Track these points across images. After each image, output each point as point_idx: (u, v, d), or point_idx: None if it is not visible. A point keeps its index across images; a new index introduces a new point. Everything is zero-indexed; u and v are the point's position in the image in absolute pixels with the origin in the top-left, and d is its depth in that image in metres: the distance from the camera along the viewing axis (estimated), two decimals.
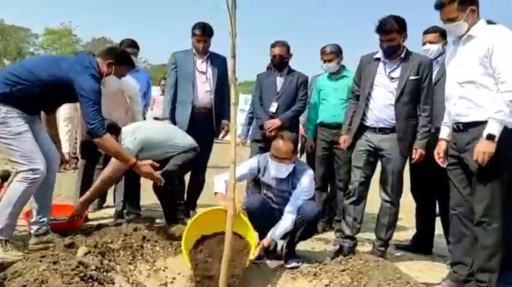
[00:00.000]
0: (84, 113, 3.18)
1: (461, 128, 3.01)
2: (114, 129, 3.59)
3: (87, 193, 3.67)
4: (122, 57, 3.50)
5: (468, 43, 2.98)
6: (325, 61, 4.47)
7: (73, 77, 3.09)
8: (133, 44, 5.00)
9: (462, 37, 3.01)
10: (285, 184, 3.44)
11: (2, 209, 3.04)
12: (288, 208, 3.35)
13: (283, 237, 3.44)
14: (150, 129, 3.84)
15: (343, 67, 4.51)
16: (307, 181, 3.39)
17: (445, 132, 3.26)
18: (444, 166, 3.26)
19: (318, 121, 4.56)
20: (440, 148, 3.26)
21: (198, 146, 3.92)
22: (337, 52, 4.45)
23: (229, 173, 2.74)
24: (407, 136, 3.59)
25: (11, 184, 3.18)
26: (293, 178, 3.42)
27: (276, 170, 3.37)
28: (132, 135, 3.64)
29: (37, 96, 3.12)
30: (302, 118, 4.99)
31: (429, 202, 4.09)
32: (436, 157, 3.29)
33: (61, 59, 3.32)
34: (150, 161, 3.47)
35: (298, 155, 4.23)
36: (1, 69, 3.28)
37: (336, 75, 4.48)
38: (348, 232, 3.68)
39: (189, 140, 3.90)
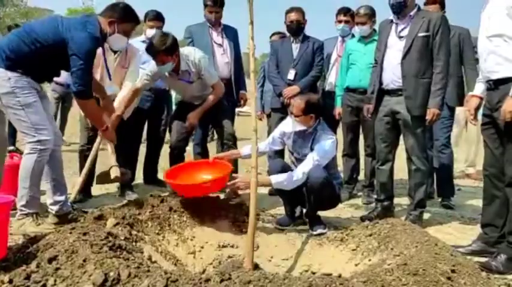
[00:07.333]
0: (72, 73, 2.98)
1: (492, 85, 2.88)
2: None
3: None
4: (125, 13, 3.20)
5: None
6: (357, 24, 4.36)
7: (70, 36, 2.92)
8: (158, 17, 4.51)
9: None
10: (305, 149, 3.38)
11: (21, 184, 3.05)
12: (298, 167, 3.28)
13: (303, 205, 3.48)
14: None
15: (374, 31, 4.37)
16: (324, 146, 3.29)
17: (478, 89, 3.15)
18: (474, 123, 3.17)
19: (345, 86, 4.47)
20: (470, 105, 3.16)
21: None
22: (371, 15, 4.32)
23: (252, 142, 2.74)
24: (416, 94, 3.49)
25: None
26: (314, 143, 3.34)
27: (292, 125, 3.37)
28: None
29: (43, 59, 3.01)
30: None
31: None
32: (467, 114, 3.20)
33: (65, 19, 3.09)
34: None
35: None
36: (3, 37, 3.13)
37: (366, 38, 4.37)
38: (380, 196, 3.77)
39: None
